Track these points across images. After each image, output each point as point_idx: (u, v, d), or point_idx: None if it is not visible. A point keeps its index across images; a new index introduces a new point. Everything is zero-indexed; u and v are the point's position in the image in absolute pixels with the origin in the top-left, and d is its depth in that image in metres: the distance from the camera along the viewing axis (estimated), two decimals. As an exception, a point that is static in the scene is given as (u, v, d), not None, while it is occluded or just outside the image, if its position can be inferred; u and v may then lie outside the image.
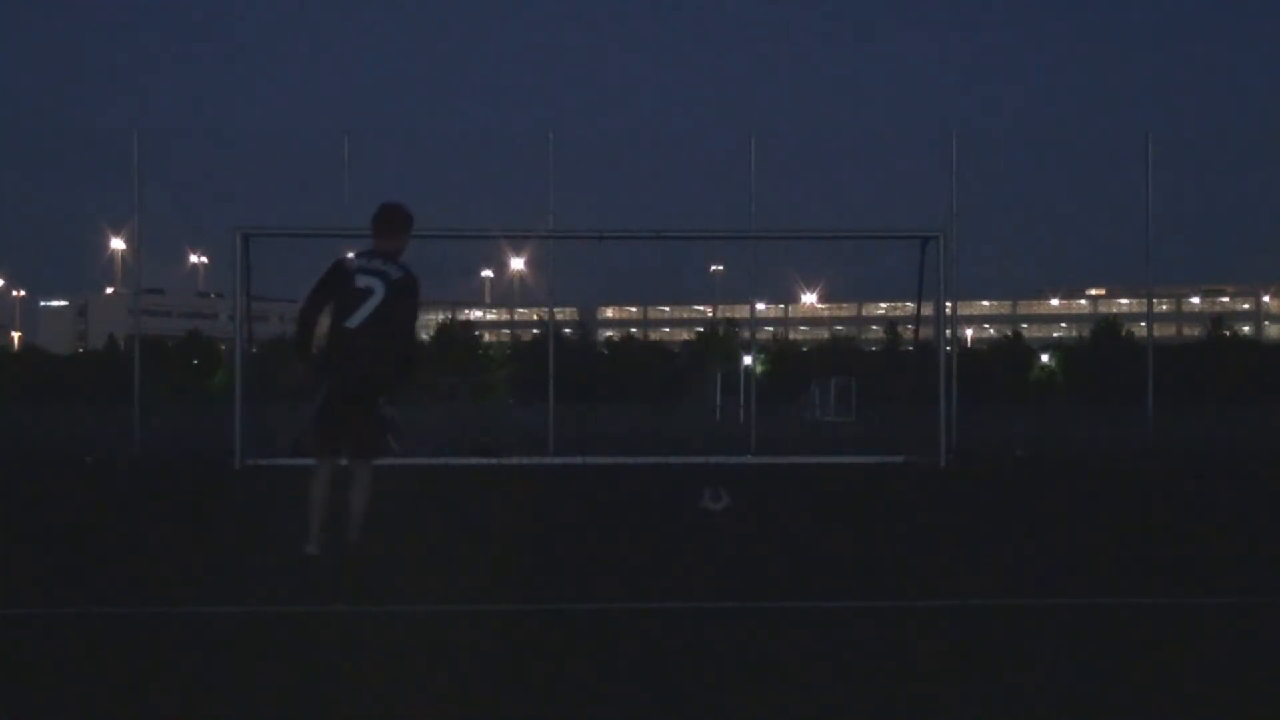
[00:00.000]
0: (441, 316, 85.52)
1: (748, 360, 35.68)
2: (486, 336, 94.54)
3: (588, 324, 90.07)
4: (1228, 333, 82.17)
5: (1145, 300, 26.63)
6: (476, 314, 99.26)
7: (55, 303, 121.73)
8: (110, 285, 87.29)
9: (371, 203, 9.43)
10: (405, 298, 8.90)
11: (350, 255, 9.30)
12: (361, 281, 8.83)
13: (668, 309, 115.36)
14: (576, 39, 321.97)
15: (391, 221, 9.16)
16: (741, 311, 36.72)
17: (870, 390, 50.41)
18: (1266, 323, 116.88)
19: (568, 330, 79.93)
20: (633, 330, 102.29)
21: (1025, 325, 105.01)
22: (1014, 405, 47.46)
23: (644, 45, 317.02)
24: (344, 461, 8.89)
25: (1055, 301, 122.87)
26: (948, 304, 21.78)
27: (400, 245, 9.12)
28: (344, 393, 8.80)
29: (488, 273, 44.79)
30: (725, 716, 5.47)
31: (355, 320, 8.78)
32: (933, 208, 25.01)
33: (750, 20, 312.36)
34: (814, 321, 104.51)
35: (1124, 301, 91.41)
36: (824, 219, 32.89)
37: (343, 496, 8.75)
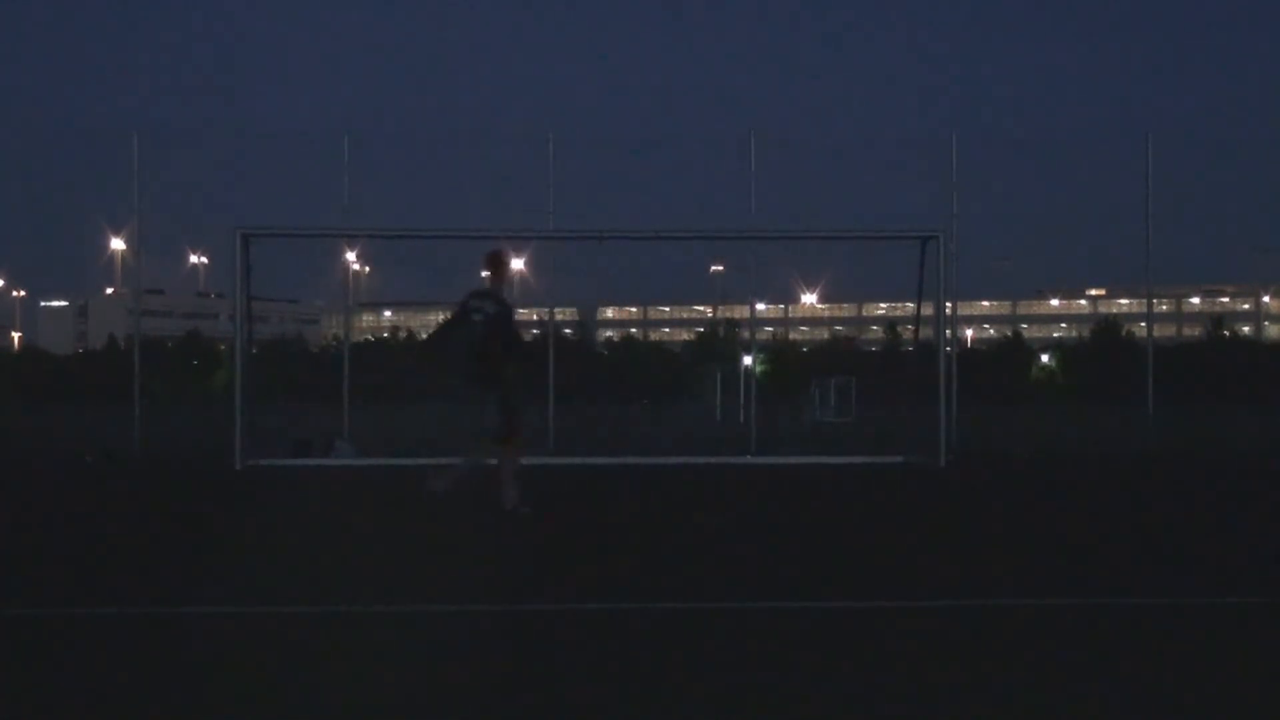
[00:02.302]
0: (441, 317, 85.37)
1: (748, 360, 35.66)
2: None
3: (588, 324, 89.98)
4: (1228, 333, 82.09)
5: (1145, 300, 26.60)
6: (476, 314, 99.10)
7: (55, 303, 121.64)
8: (110, 285, 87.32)
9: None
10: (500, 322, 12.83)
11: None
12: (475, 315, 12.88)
13: (668, 309, 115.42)
14: (576, 39, 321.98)
15: (489, 260, 13.24)
16: (741, 311, 36.67)
17: (870, 390, 50.36)
18: (1266, 323, 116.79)
19: (568, 330, 79.82)
20: (633, 330, 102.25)
21: (1025, 325, 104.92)
22: (1014, 405, 47.47)
23: (644, 45, 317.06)
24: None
25: (1055, 301, 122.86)
26: (948, 304, 21.77)
27: (497, 279, 13.22)
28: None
29: (487, 273, 44.72)
30: (725, 716, 5.47)
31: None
32: (933, 208, 25.00)
33: (751, 20, 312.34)
34: (814, 321, 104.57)
35: (1124, 301, 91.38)
36: (824, 219, 32.83)
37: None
